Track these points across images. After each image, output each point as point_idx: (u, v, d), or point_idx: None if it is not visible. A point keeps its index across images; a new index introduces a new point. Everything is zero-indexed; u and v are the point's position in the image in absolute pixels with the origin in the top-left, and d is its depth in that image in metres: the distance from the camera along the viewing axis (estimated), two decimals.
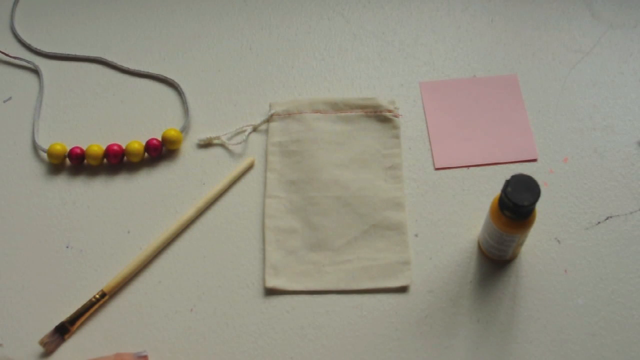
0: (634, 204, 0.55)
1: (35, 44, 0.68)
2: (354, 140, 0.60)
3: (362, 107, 0.61)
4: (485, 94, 0.62)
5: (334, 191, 0.57)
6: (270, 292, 0.53)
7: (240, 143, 0.60)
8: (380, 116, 0.61)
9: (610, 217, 0.55)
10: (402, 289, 0.53)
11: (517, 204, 0.44)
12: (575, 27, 0.66)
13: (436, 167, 0.58)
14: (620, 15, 0.66)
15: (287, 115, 0.61)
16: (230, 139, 0.61)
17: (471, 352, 0.50)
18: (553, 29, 0.66)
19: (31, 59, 0.67)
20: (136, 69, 0.66)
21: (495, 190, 0.57)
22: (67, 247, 0.56)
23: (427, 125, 0.61)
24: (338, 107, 0.61)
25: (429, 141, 0.60)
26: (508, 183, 0.45)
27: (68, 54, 0.67)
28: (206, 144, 0.61)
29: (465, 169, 0.58)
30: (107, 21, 0.70)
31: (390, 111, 0.61)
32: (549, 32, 0.65)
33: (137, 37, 0.68)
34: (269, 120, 0.61)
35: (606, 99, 0.61)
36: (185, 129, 0.61)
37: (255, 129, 0.61)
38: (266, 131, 0.61)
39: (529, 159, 0.58)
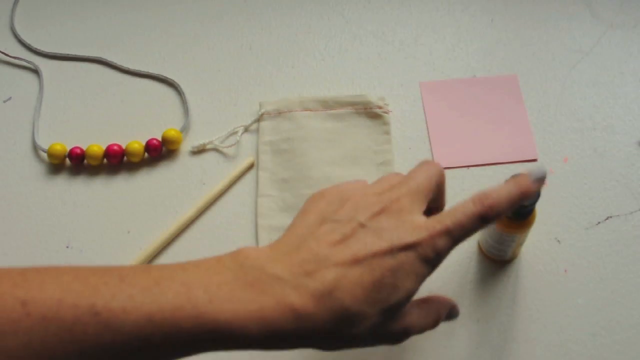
0: (634, 204, 0.55)
1: (35, 44, 0.68)
2: (345, 137, 0.60)
3: (352, 104, 0.61)
4: (485, 94, 0.62)
5: None
6: None
7: (232, 145, 0.60)
8: (371, 113, 0.60)
9: (610, 217, 0.55)
10: None
11: None
12: (575, 27, 0.66)
13: None
14: (620, 15, 0.66)
15: (278, 114, 0.61)
16: (223, 141, 0.61)
17: (471, 352, 0.49)
18: (553, 29, 0.66)
19: (31, 59, 0.67)
20: (136, 69, 0.66)
21: None
22: (67, 247, 0.56)
23: (427, 125, 0.61)
24: (328, 105, 0.61)
25: (429, 141, 0.60)
26: None
27: (68, 54, 0.67)
28: (200, 151, 0.60)
29: (465, 169, 0.58)
30: (107, 21, 0.70)
31: (380, 107, 0.61)
32: (549, 32, 0.65)
33: (137, 37, 0.68)
34: (259, 119, 0.61)
35: (606, 99, 0.61)
36: (185, 129, 0.61)
37: (246, 130, 0.61)
38: (257, 130, 0.61)
39: (529, 159, 0.58)
